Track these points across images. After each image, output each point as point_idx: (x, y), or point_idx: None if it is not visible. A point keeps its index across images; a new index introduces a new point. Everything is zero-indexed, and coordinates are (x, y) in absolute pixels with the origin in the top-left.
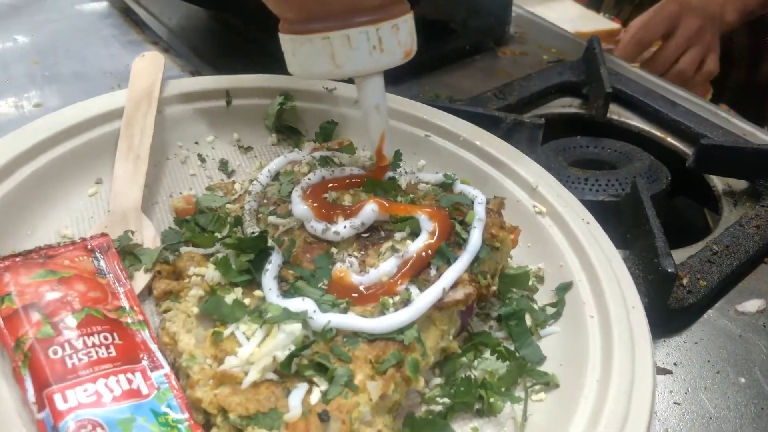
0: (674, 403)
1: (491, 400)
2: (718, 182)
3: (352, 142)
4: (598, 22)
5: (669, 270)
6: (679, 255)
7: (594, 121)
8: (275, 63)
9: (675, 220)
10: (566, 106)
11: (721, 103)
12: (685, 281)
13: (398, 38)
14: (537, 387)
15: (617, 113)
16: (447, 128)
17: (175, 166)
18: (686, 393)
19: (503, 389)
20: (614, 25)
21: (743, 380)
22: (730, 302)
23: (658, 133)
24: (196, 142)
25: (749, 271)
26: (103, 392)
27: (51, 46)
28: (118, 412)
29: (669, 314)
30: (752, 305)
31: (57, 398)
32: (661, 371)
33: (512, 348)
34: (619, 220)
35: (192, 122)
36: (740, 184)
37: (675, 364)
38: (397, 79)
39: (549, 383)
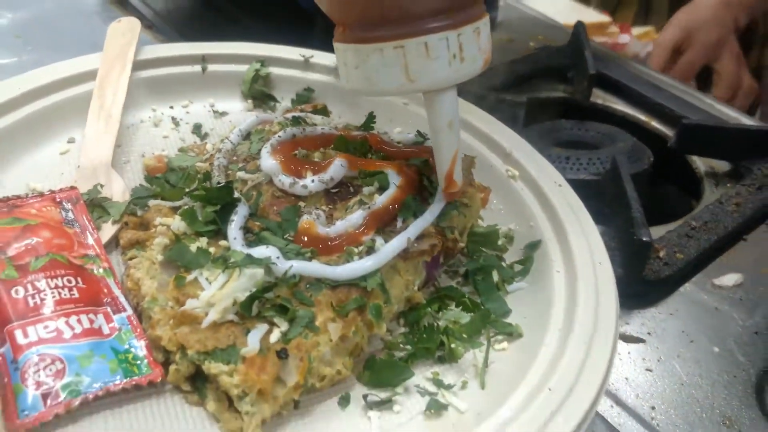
0: (646, 369)
1: (452, 345)
2: (700, 164)
3: (326, 105)
4: (587, 15)
5: (644, 239)
6: (658, 230)
7: (578, 104)
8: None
9: (659, 205)
10: (552, 90)
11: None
12: (662, 254)
13: (479, 44)
14: (500, 337)
15: (601, 97)
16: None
17: (149, 129)
18: (659, 361)
19: (466, 337)
20: (604, 18)
21: (717, 350)
22: (707, 276)
23: (642, 117)
24: (171, 107)
25: (728, 247)
26: (64, 329)
27: (33, 22)
28: (77, 349)
29: (645, 285)
30: (729, 279)
31: (18, 334)
32: (634, 339)
33: (478, 300)
34: (598, 197)
35: (167, 87)
36: (722, 166)
37: (649, 333)
38: None
39: (512, 333)
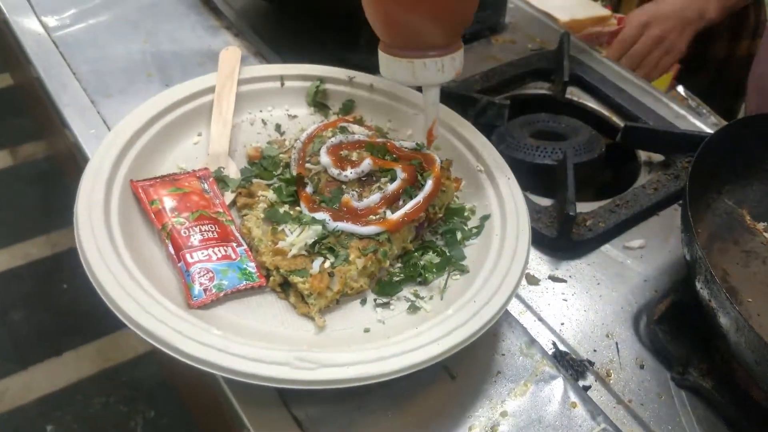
0: (563, 299)
1: (426, 275)
2: (642, 154)
3: (363, 117)
4: (593, 9)
5: (570, 213)
6: (592, 206)
7: (556, 100)
8: (318, 46)
9: (607, 185)
10: (538, 88)
11: (679, 86)
12: (588, 223)
13: (454, 65)
14: (455, 272)
15: (576, 95)
16: None
17: (247, 127)
18: (573, 295)
19: (435, 271)
20: (605, 13)
21: (614, 292)
22: (621, 240)
23: (606, 113)
24: (260, 110)
25: (642, 220)
26: (212, 255)
27: (154, 27)
28: (220, 266)
29: (572, 244)
30: (636, 243)
31: (187, 256)
32: (559, 280)
33: (446, 250)
34: (552, 179)
35: (258, 97)
36: (658, 157)
37: (570, 276)
38: None
39: (463, 270)
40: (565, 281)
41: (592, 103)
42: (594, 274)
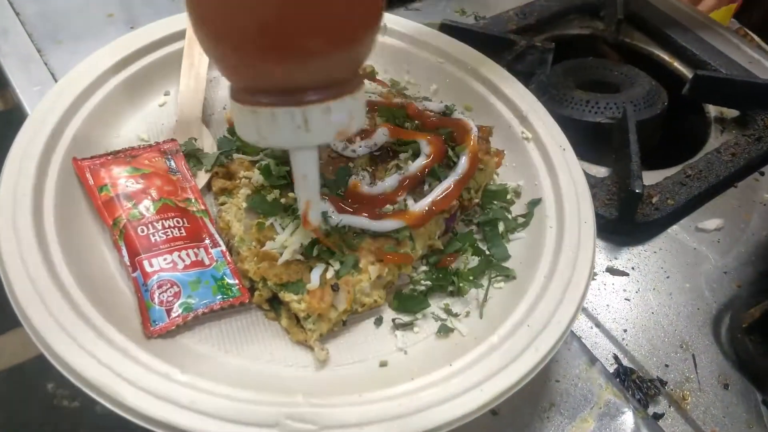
0: (625, 299)
1: (461, 285)
2: (712, 109)
3: (374, 68)
4: None
5: (637, 191)
6: (657, 176)
7: (607, 41)
8: None
9: (676, 135)
10: (583, 27)
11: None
12: (654, 200)
13: (330, 119)
14: (499, 278)
15: (631, 36)
16: (457, 57)
17: (227, 82)
18: (637, 292)
19: (471, 278)
20: None
21: (688, 285)
22: (693, 220)
23: (666, 57)
24: None
25: (717, 194)
26: (177, 261)
27: None
28: (188, 276)
29: (635, 227)
30: (711, 223)
31: (145, 263)
32: (620, 273)
33: (484, 248)
34: (609, 141)
35: None
36: (732, 112)
37: (633, 268)
38: None
39: (508, 276)
40: (627, 274)
41: (649, 46)
42: (662, 265)
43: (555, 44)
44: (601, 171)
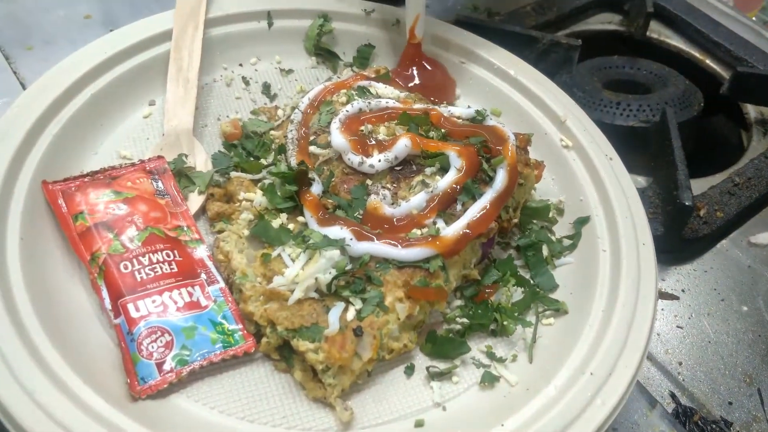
0: (677, 327)
1: (505, 323)
2: (751, 109)
3: (389, 70)
4: None
5: (687, 203)
6: (701, 185)
7: (633, 39)
8: None
9: (706, 148)
10: (606, 22)
11: None
12: (702, 212)
13: None
14: (548, 312)
15: (657, 31)
16: (482, 55)
17: (222, 89)
18: (690, 318)
19: (516, 314)
20: None
21: (745, 309)
22: (744, 233)
23: (698, 54)
24: (240, 64)
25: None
26: (169, 303)
27: None
28: (182, 321)
29: (683, 243)
30: (765, 237)
31: (130, 307)
32: (669, 296)
33: (528, 276)
34: (646, 147)
35: (236, 44)
36: None
37: (683, 290)
38: None
39: (559, 310)
40: (677, 298)
41: (677, 42)
42: (714, 286)
43: (581, 41)
44: (638, 181)
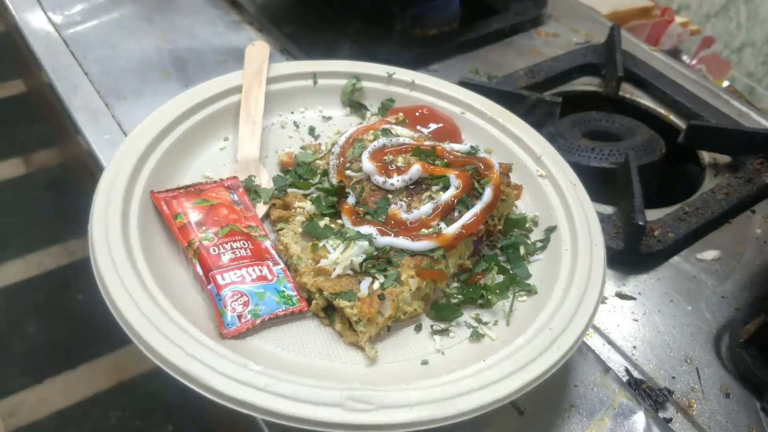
0: (633, 320)
1: (489, 297)
2: (706, 155)
3: (405, 118)
4: (634, 0)
5: (640, 223)
6: (658, 213)
7: (608, 98)
8: (346, 41)
9: (668, 187)
10: (586, 84)
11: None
12: (657, 233)
13: None
14: (522, 293)
15: (629, 92)
16: (477, 107)
17: (278, 130)
18: (644, 314)
19: (498, 291)
20: (648, 3)
21: (690, 308)
22: (692, 252)
23: (662, 110)
24: (292, 112)
25: (713, 229)
26: (245, 275)
27: (170, 23)
28: (255, 288)
29: (640, 257)
30: (709, 254)
31: (218, 277)
32: (627, 297)
33: (508, 267)
34: (613, 183)
35: (289, 97)
36: (724, 158)
37: (639, 293)
38: (444, 55)
39: (530, 291)
40: (634, 299)
41: (646, 101)
42: (665, 291)
43: (562, 99)
44: (607, 209)
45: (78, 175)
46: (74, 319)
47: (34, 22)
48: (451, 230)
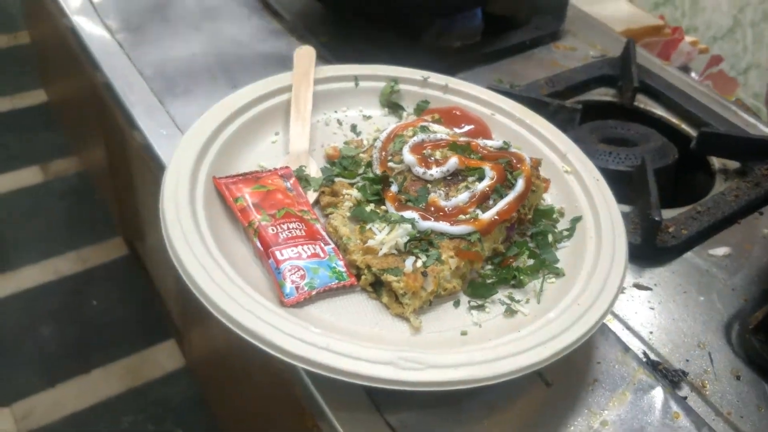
0: (650, 308)
1: (521, 278)
2: (716, 162)
3: (440, 117)
4: (647, 19)
5: (656, 219)
6: (672, 212)
7: (624, 107)
8: (378, 49)
9: (680, 192)
10: (603, 94)
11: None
12: (671, 229)
13: None
14: (550, 276)
15: (643, 102)
16: (506, 109)
17: (323, 127)
18: (659, 303)
19: (529, 273)
20: (660, 22)
21: (702, 299)
22: (704, 248)
23: (674, 120)
24: (335, 111)
25: (723, 228)
26: (301, 252)
27: (216, 30)
28: (310, 263)
29: (656, 251)
30: (720, 251)
31: (277, 253)
32: (644, 288)
33: (538, 252)
34: (630, 184)
35: (332, 97)
36: (733, 164)
37: (655, 284)
38: (469, 66)
39: (558, 273)
40: (650, 289)
41: (659, 111)
42: (679, 282)
43: (582, 106)
44: (625, 208)
45: (95, 184)
46: (88, 324)
47: (90, 26)
48: (486, 216)
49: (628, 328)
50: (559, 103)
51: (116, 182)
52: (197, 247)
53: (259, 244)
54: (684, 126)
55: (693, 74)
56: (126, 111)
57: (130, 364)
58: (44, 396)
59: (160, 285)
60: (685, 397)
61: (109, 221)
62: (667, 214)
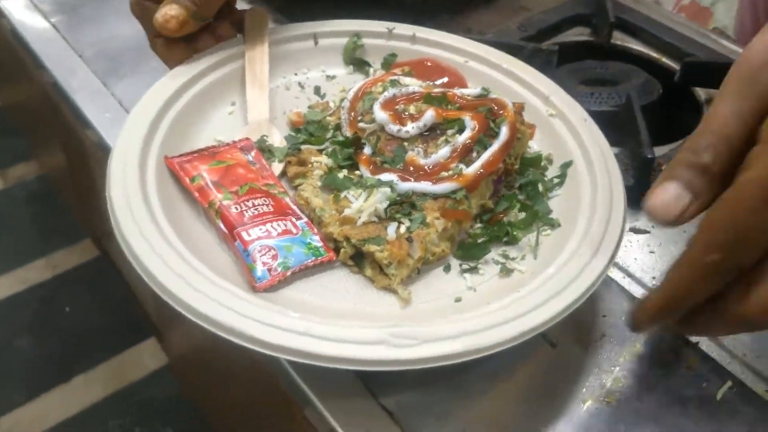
0: (650, 252)
1: (514, 233)
2: (701, 93)
3: (411, 69)
4: None
5: (648, 156)
6: (663, 149)
7: (601, 46)
8: (335, 12)
9: (667, 127)
10: (579, 35)
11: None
12: (664, 167)
13: None
14: (545, 228)
15: (620, 39)
16: (481, 54)
17: (283, 92)
18: (659, 246)
19: (522, 227)
20: None
21: None
22: None
23: (654, 54)
24: (295, 73)
25: None
26: (271, 230)
27: None
28: (282, 242)
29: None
30: None
31: (243, 234)
32: (641, 231)
33: (529, 204)
34: (616, 124)
35: (291, 59)
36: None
37: (652, 226)
38: (434, 15)
39: (553, 224)
40: (648, 232)
41: (638, 46)
42: None
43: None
44: (613, 150)
45: (58, 187)
46: (64, 331)
47: (21, 11)
48: (471, 171)
49: (630, 275)
50: (534, 46)
51: (76, 182)
52: (152, 235)
53: (222, 226)
54: (665, 59)
55: (665, 7)
56: (66, 97)
57: (112, 367)
58: (27, 409)
59: (135, 284)
60: (698, 342)
61: (75, 224)
62: (658, 151)
